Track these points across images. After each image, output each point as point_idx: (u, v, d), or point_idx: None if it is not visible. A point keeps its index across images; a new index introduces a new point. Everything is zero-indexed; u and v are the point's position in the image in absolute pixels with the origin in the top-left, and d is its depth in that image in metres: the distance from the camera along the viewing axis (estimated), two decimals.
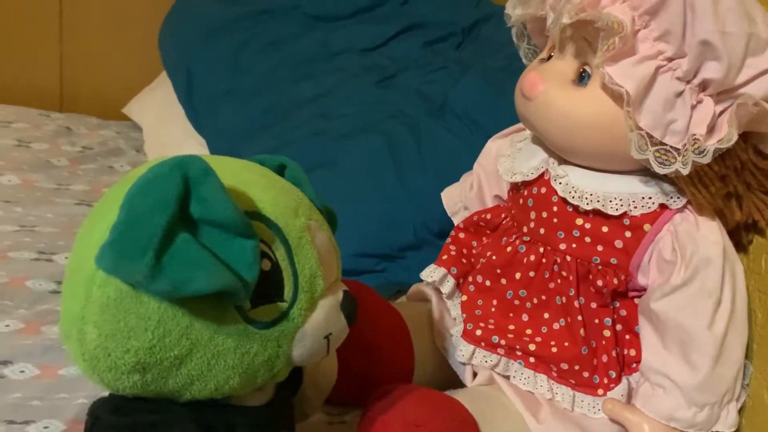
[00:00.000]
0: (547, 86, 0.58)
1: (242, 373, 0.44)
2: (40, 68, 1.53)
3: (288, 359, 0.46)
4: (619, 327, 0.62)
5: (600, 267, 0.60)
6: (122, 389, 0.43)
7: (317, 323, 0.46)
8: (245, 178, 0.46)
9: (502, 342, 0.64)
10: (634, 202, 0.58)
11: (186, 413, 0.44)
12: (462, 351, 0.65)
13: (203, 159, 0.41)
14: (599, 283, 0.60)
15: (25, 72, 1.52)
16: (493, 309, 0.66)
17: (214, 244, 0.40)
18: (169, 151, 1.05)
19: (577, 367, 0.61)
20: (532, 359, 0.63)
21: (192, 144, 1.13)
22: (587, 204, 0.59)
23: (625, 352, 0.62)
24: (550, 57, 0.61)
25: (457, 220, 0.76)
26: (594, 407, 0.61)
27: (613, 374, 0.61)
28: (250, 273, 0.41)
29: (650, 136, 0.54)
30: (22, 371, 0.66)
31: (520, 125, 0.69)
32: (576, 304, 0.61)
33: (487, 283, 0.67)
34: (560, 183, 0.61)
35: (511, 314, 0.65)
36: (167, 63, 1.27)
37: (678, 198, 0.58)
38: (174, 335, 0.41)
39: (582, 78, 0.58)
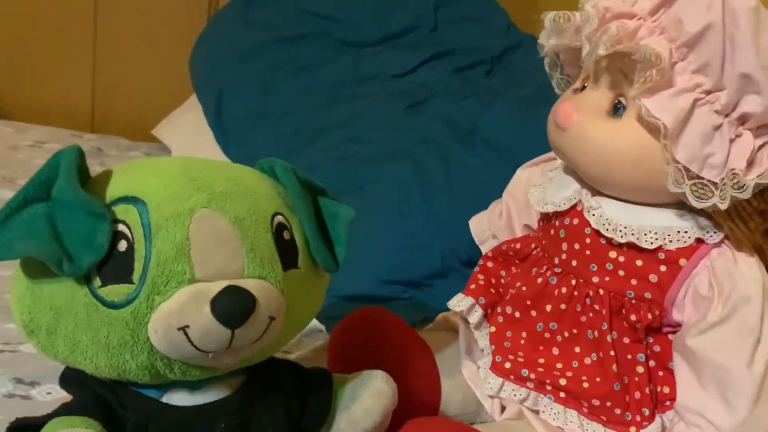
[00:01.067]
0: (581, 117, 0.58)
1: (105, 353, 0.45)
2: (73, 90, 1.57)
3: (151, 348, 0.44)
4: (652, 363, 0.60)
5: (634, 301, 0.59)
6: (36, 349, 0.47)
7: (168, 311, 0.43)
8: (160, 168, 0.48)
9: (532, 376, 0.63)
10: (669, 236, 0.57)
11: (97, 387, 0.47)
12: (490, 384, 0.64)
13: (76, 150, 0.46)
14: (633, 318, 0.59)
15: (59, 94, 1.56)
16: (522, 341, 0.65)
17: (66, 221, 0.44)
18: None
19: (608, 404, 0.60)
20: (562, 394, 0.62)
21: None
22: (621, 237, 0.58)
23: (659, 389, 0.60)
24: (583, 87, 0.60)
25: (485, 249, 0.75)
26: None
27: (646, 412, 0.59)
28: (89, 251, 0.43)
29: (687, 170, 0.53)
30: (49, 393, 0.66)
31: (550, 154, 0.68)
32: (608, 338, 0.60)
33: (517, 314, 0.66)
34: (593, 215, 0.60)
35: (541, 347, 0.64)
36: (197, 86, 1.28)
37: (715, 233, 0.57)
38: (42, 302, 0.45)
39: (617, 109, 0.57)
